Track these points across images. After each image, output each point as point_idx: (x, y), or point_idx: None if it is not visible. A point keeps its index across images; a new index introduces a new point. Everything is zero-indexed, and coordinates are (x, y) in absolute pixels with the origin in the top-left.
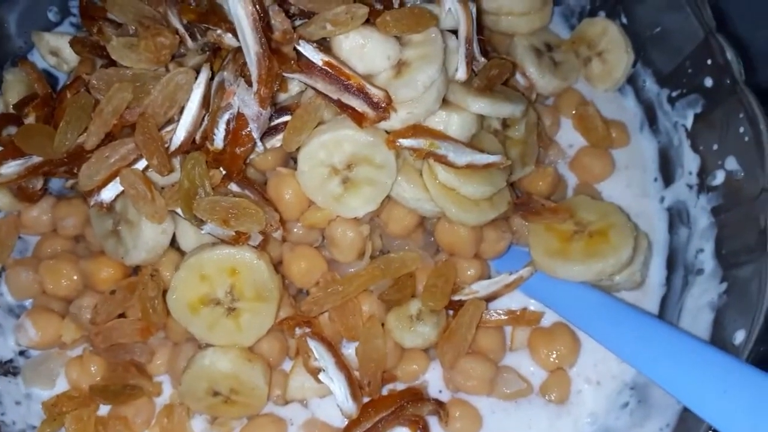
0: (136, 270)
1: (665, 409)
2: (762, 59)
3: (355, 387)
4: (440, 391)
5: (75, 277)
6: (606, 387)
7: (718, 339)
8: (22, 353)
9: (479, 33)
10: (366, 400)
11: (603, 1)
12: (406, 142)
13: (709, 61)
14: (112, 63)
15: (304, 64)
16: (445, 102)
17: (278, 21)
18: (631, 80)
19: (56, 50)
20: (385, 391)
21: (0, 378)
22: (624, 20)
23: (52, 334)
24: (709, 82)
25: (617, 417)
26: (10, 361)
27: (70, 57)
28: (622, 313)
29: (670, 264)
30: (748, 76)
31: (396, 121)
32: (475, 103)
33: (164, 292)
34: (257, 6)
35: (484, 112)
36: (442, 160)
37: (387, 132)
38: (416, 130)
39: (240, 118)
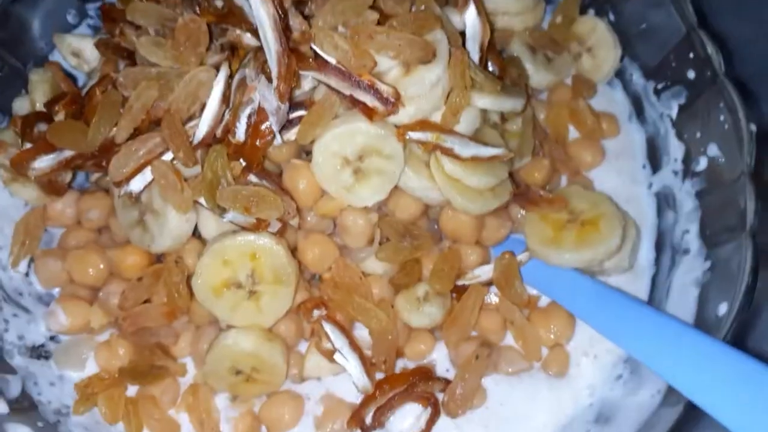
0: (159, 258)
1: (656, 378)
2: (740, 52)
3: (368, 365)
4: (447, 370)
5: (101, 266)
6: (602, 360)
7: (704, 312)
8: (52, 338)
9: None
10: (378, 377)
11: (591, 2)
12: (414, 135)
13: (691, 55)
14: (134, 63)
15: (320, 62)
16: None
17: (297, 22)
18: (619, 74)
19: (78, 51)
20: (396, 371)
21: (33, 361)
22: (611, 17)
23: (81, 320)
24: (691, 74)
25: (612, 388)
26: (42, 345)
27: (91, 57)
28: (609, 297)
29: (659, 246)
30: (728, 68)
31: (404, 116)
32: (480, 99)
33: (188, 278)
34: (278, 9)
35: (489, 107)
36: (449, 152)
37: (396, 126)
38: (424, 124)
39: (260, 113)
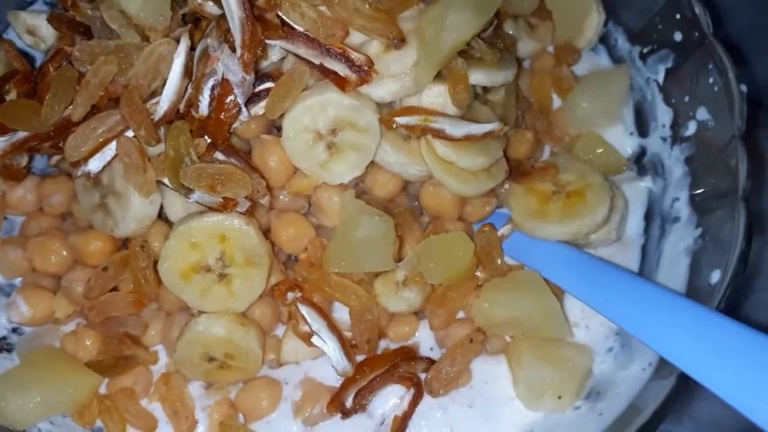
0: (125, 242)
1: (647, 350)
2: (728, 11)
3: (347, 347)
4: (431, 349)
5: (64, 253)
6: (593, 332)
7: (696, 280)
8: (14, 330)
9: None
10: (359, 359)
11: None
12: (401, 120)
13: (677, 16)
14: (90, 38)
15: (287, 30)
16: (439, 75)
17: None
18: (604, 39)
19: (33, 29)
20: (379, 351)
21: None
22: None
23: (45, 310)
24: (678, 36)
25: (603, 361)
26: (4, 338)
27: (47, 35)
28: (597, 269)
29: (648, 215)
30: (716, 29)
31: (386, 93)
32: (471, 74)
33: (155, 263)
34: None
35: (481, 83)
36: (440, 134)
37: (378, 104)
38: (410, 110)
39: (224, 85)
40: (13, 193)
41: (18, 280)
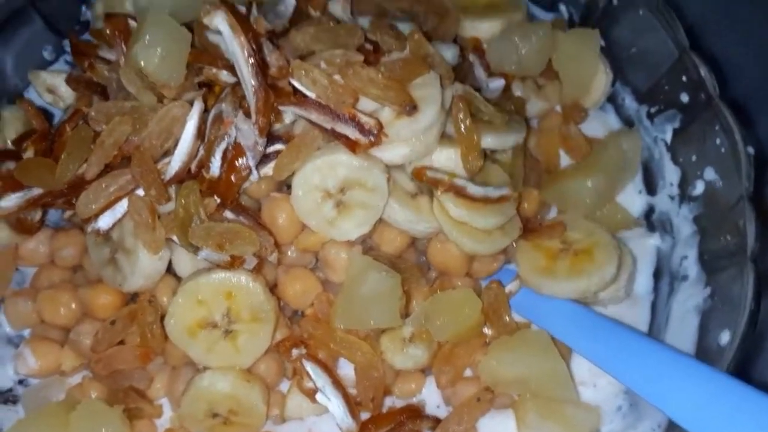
0: (133, 296)
1: (656, 411)
2: (734, 73)
3: (352, 405)
4: (438, 407)
5: (73, 306)
6: (601, 390)
7: (705, 340)
8: (21, 382)
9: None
10: (364, 417)
11: (581, 24)
12: (431, 173)
13: (684, 78)
14: (107, 98)
15: (299, 97)
16: (448, 138)
17: (274, 58)
18: (611, 98)
19: (53, 88)
20: (384, 409)
21: (0, 407)
22: (602, 42)
23: (52, 362)
24: (685, 97)
25: (611, 421)
26: (10, 390)
27: (66, 94)
28: (605, 328)
29: (657, 272)
30: (722, 91)
31: (397, 156)
32: (483, 139)
33: (162, 318)
34: (251, 43)
35: (492, 146)
36: (462, 192)
37: (387, 165)
38: (433, 168)
39: (237, 148)
40: (26, 245)
41: (26, 331)
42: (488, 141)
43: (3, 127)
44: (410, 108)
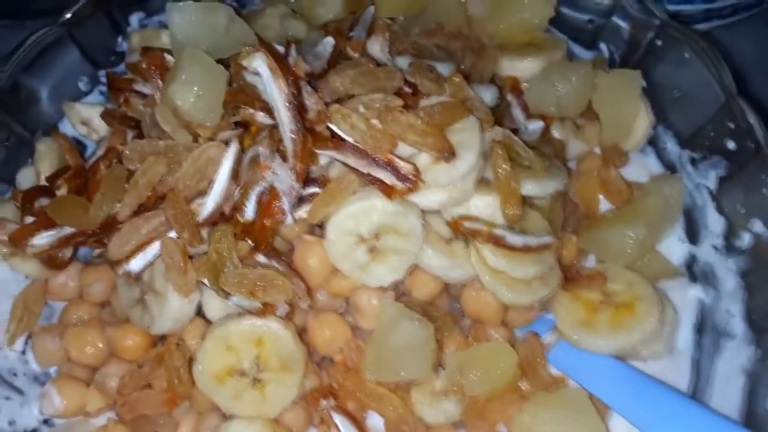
0: (161, 338)
1: None
2: None
3: None
4: None
5: (100, 345)
6: None
7: (753, 404)
8: (45, 422)
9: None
10: None
11: (623, 63)
12: (469, 224)
13: (731, 125)
14: (142, 134)
15: (336, 142)
16: (486, 184)
17: (312, 102)
18: (652, 142)
19: (87, 120)
20: None
21: None
22: (643, 83)
23: (77, 403)
24: (731, 144)
25: None
26: (35, 430)
27: (100, 127)
28: (646, 387)
29: (700, 327)
30: None
31: (434, 202)
32: (523, 185)
33: (190, 362)
34: (292, 88)
35: (532, 193)
36: (501, 242)
37: (423, 211)
38: (470, 218)
39: (272, 191)
40: (55, 279)
41: (52, 370)
42: (528, 188)
43: (37, 161)
44: (449, 155)
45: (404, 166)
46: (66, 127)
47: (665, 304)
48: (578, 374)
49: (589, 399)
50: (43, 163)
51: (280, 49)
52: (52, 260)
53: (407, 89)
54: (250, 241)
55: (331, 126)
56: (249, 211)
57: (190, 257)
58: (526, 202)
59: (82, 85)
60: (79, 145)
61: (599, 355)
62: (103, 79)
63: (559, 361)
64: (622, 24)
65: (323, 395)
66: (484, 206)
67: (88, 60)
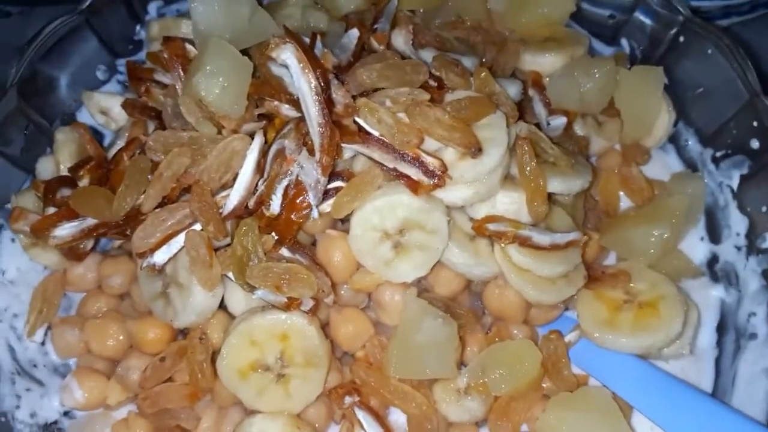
0: (182, 331)
1: None
2: None
3: None
4: None
5: (121, 338)
6: None
7: None
8: (66, 414)
9: None
10: None
11: (644, 59)
12: (493, 227)
13: (755, 123)
14: (162, 123)
15: (363, 136)
16: (512, 181)
17: (340, 95)
18: (673, 139)
19: (105, 110)
20: None
21: None
22: (665, 80)
23: (98, 396)
24: (755, 143)
25: None
26: (55, 422)
27: (119, 116)
28: (669, 387)
29: (721, 327)
30: None
31: (459, 198)
32: (549, 183)
33: (212, 355)
34: (320, 80)
35: (558, 191)
36: (527, 242)
37: (448, 207)
38: (495, 218)
39: (298, 185)
40: (74, 271)
41: (72, 361)
42: (554, 185)
43: (57, 150)
44: (475, 150)
45: (431, 162)
46: (84, 116)
47: (689, 305)
48: (600, 373)
49: (613, 399)
50: (62, 152)
51: (306, 40)
52: (72, 251)
53: (433, 83)
54: (275, 235)
55: (358, 120)
56: (275, 205)
57: (215, 250)
58: (549, 198)
59: (100, 74)
60: (96, 135)
61: (621, 353)
62: (122, 68)
63: (582, 359)
64: (645, 20)
65: (347, 392)
66: (510, 202)
67: (107, 49)
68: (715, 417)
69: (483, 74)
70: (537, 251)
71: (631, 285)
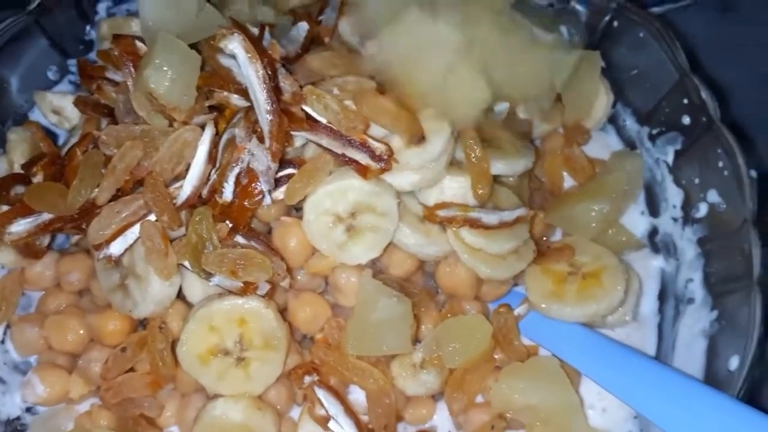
0: (142, 322)
1: None
2: (734, 96)
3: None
4: None
5: (81, 332)
6: (611, 415)
7: (714, 365)
8: (29, 410)
9: None
10: None
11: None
12: (443, 213)
13: (685, 101)
14: (115, 122)
15: (311, 123)
16: (458, 165)
17: (287, 84)
18: (612, 119)
19: (58, 109)
20: None
21: None
22: (602, 63)
23: (60, 390)
24: (686, 120)
25: None
26: (18, 418)
27: (72, 115)
28: (613, 352)
29: (662, 295)
30: (723, 114)
31: (407, 183)
32: (493, 165)
33: (172, 344)
34: (267, 69)
35: (502, 173)
36: (477, 224)
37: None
38: (444, 205)
39: (250, 173)
40: (32, 269)
41: (33, 358)
42: (498, 167)
43: (10, 150)
44: (418, 139)
45: (378, 147)
46: (36, 117)
47: (631, 274)
48: (549, 342)
49: (561, 366)
50: (16, 152)
51: (254, 31)
52: (28, 249)
53: None
54: (228, 223)
55: (306, 108)
56: (227, 193)
57: (171, 241)
58: (495, 180)
59: (51, 75)
60: (49, 135)
61: (568, 323)
62: (73, 69)
63: (531, 331)
64: (580, 8)
65: (306, 371)
66: (458, 187)
67: (57, 49)
68: (658, 377)
69: None
70: (487, 231)
71: (576, 258)
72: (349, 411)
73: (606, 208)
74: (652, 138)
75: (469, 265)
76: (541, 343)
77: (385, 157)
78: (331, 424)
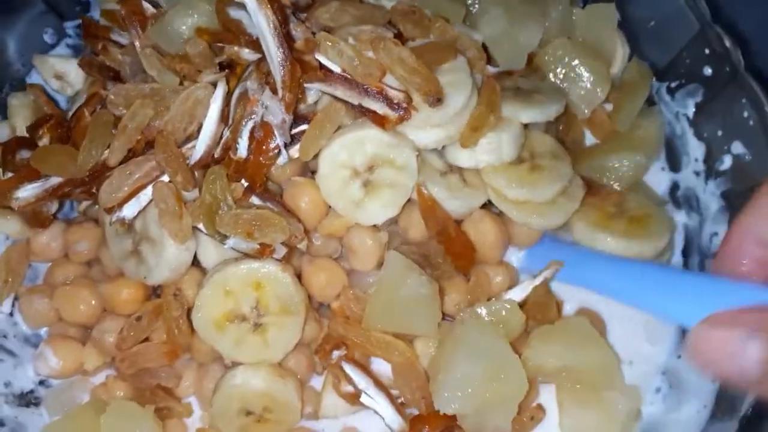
0: (156, 290)
1: (700, 392)
2: (758, 43)
3: (397, 404)
4: None
5: (93, 302)
6: (638, 368)
7: None
8: (42, 383)
9: None
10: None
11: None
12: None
13: (706, 51)
14: (121, 82)
15: (325, 72)
16: None
17: (299, 31)
18: None
19: (61, 74)
20: None
21: (23, 409)
22: (618, 16)
23: (74, 362)
24: (708, 71)
25: (651, 402)
26: (31, 392)
27: (75, 80)
28: (644, 269)
29: (686, 250)
30: (746, 61)
31: (430, 140)
32: (525, 113)
33: (188, 312)
34: (277, 14)
35: (536, 119)
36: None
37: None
38: None
39: (264, 127)
40: (38, 239)
41: (44, 330)
42: (533, 115)
43: (11, 116)
44: (434, 99)
45: (396, 95)
46: (35, 81)
47: (673, 228)
48: (572, 275)
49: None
50: (18, 117)
51: None
52: (35, 217)
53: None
54: (244, 182)
55: (319, 57)
56: (242, 148)
57: (184, 203)
58: (527, 127)
59: (47, 38)
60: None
61: (591, 252)
62: (70, 31)
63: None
64: None
65: (335, 346)
66: (487, 143)
67: (53, 11)
68: (693, 285)
69: (438, 23)
70: (526, 180)
71: (623, 203)
72: (379, 384)
73: (642, 159)
74: (671, 91)
75: (522, 222)
76: (571, 281)
77: (404, 105)
78: (364, 399)
